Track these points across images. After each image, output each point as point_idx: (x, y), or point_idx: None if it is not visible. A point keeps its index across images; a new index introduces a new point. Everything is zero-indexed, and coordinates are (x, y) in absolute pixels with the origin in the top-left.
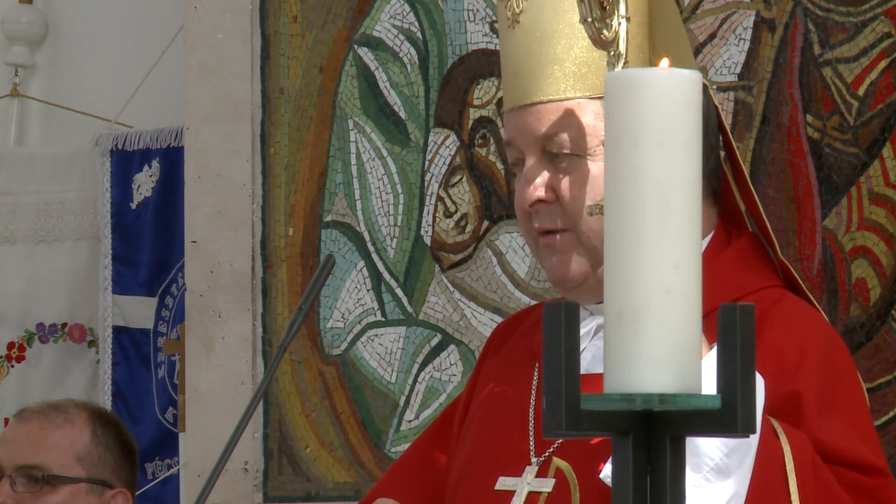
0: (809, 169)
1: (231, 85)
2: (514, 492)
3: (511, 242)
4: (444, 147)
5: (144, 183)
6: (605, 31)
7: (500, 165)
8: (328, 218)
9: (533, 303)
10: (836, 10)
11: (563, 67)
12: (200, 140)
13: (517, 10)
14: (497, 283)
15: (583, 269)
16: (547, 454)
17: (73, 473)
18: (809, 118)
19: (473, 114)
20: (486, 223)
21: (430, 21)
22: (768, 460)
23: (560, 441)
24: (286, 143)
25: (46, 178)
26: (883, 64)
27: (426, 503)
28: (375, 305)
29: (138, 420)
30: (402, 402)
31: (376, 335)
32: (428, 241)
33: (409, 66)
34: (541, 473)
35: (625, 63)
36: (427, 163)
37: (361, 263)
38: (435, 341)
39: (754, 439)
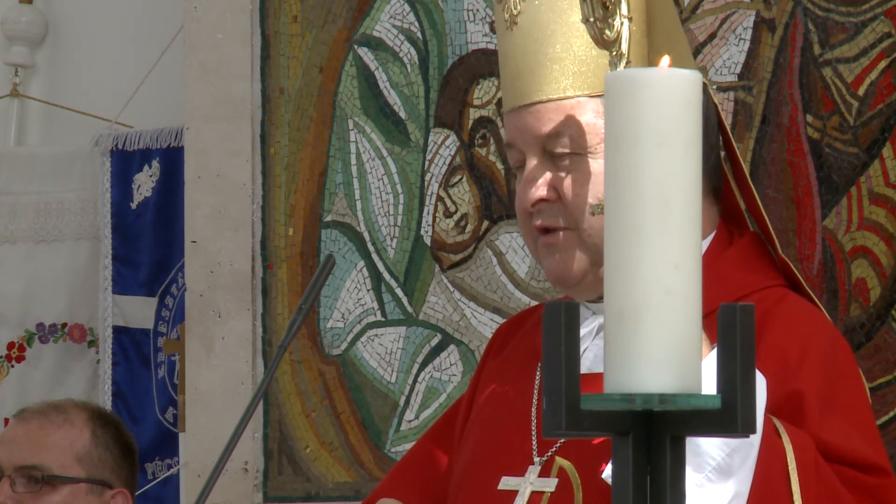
0: (809, 169)
1: (231, 85)
2: (517, 491)
3: (511, 242)
4: (444, 147)
5: (144, 183)
6: (607, 31)
7: (500, 165)
8: (328, 218)
9: (533, 303)
10: (836, 10)
11: (563, 66)
12: (200, 140)
13: (514, 12)
14: (497, 283)
15: (583, 267)
16: (549, 454)
17: (73, 473)
18: (809, 118)
19: (473, 114)
20: (486, 223)
21: (430, 21)
22: (770, 460)
23: (563, 441)
24: (286, 143)
25: (46, 178)
26: (883, 64)
27: (429, 503)
28: (375, 305)
29: (138, 420)
30: (402, 402)
31: (376, 335)
32: (428, 241)
33: (409, 66)
34: (543, 473)
35: (627, 63)
36: (427, 163)
37: (361, 263)
38: (435, 341)
39: (756, 439)
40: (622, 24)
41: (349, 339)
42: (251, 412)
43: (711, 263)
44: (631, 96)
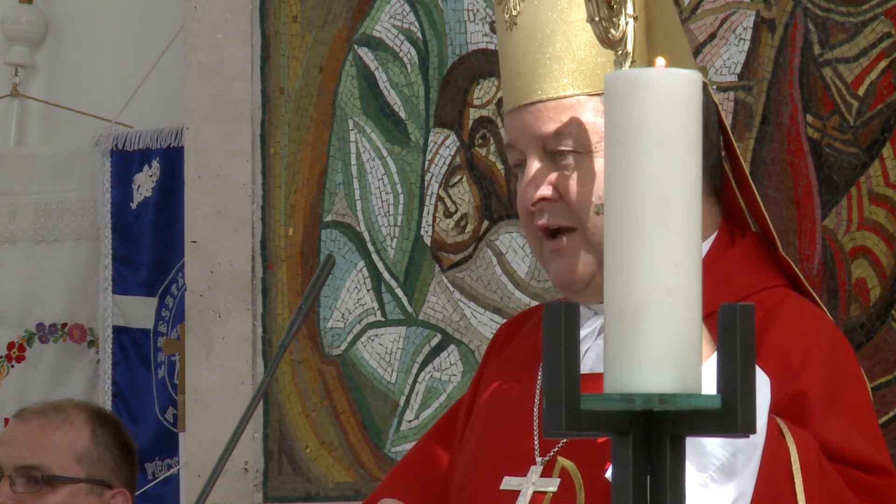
0: (809, 169)
1: (231, 85)
2: (519, 491)
3: (511, 242)
4: (444, 147)
5: (144, 183)
6: (612, 31)
7: (500, 165)
8: (328, 218)
9: (533, 303)
10: (836, 10)
11: (562, 65)
12: (200, 140)
13: (514, 13)
14: (497, 283)
15: (590, 269)
16: (552, 454)
17: (73, 474)
18: (809, 118)
19: (473, 114)
20: (486, 223)
21: (430, 21)
22: (774, 460)
23: (565, 440)
24: (286, 143)
25: (46, 178)
26: (883, 64)
27: (430, 503)
28: (375, 305)
29: (138, 420)
30: (402, 402)
31: (376, 335)
32: (428, 241)
33: (409, 66)
34: (546, 473)
35: (632, 62)
36: (427, 163)
37: (361, 263)
38: (435, 341)
39: (760, 439)
40: (627, 23)
41: (349, 339)
42: (251, 412)
43: (714, 264)
44: (631, 96)
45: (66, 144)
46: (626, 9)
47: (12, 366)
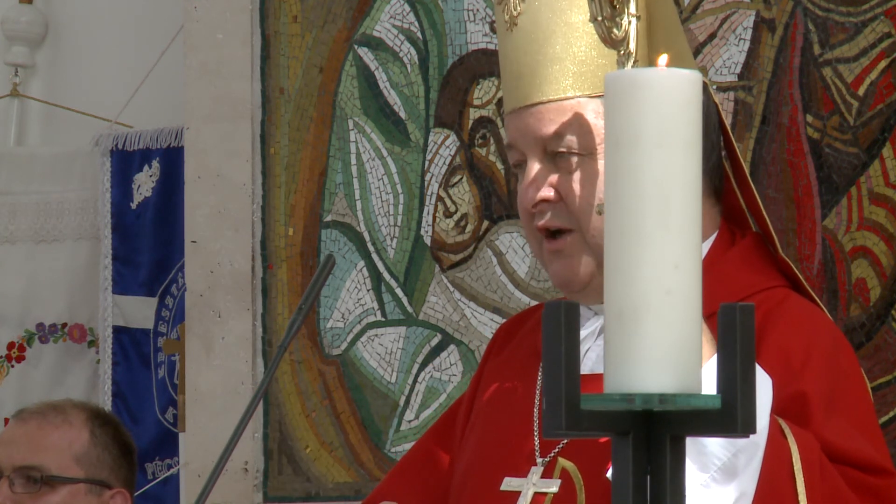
0: (809, 169)
1: (231, 85)
2: (520, 492)
3: (511, 242)
4: (444, 147)
5: (144, 183)
6: (615, 31)
7: (500, 165)
8: (328, 218)
9: (533, 303)
10: (836, 10)
11: (563, 67)
12: (200, 140)
13: (514, 13)
14: (497, 283)
15: (589, 270)
16: (552, 454)
17: (72, 474)
18: (809, 118)
19: (473, 114)
20: (486, 223)
21: (430, 21)
22: (776, 460)
23: (565, 441)
24: (286, 143)
25: (46, 178)
26: (883, 64)
27: (426, 502)
28: (375, 305)
29: (138, 420)
30: (402, 402)
31: (376, 335)
32: (428, 241)
33: (409, 66)
34: (546, 474)
35: (635, 62)
36: (427, 163)
37: (361, 263)
38: (435, 341)
39: (762, 439)
40: (630, 22)
41: (349, 339)
42: (251, 412)
43: (714, 264)
44: (631, 96)
45: (66, 144)
46: (628, 8)
47: (12, 366)
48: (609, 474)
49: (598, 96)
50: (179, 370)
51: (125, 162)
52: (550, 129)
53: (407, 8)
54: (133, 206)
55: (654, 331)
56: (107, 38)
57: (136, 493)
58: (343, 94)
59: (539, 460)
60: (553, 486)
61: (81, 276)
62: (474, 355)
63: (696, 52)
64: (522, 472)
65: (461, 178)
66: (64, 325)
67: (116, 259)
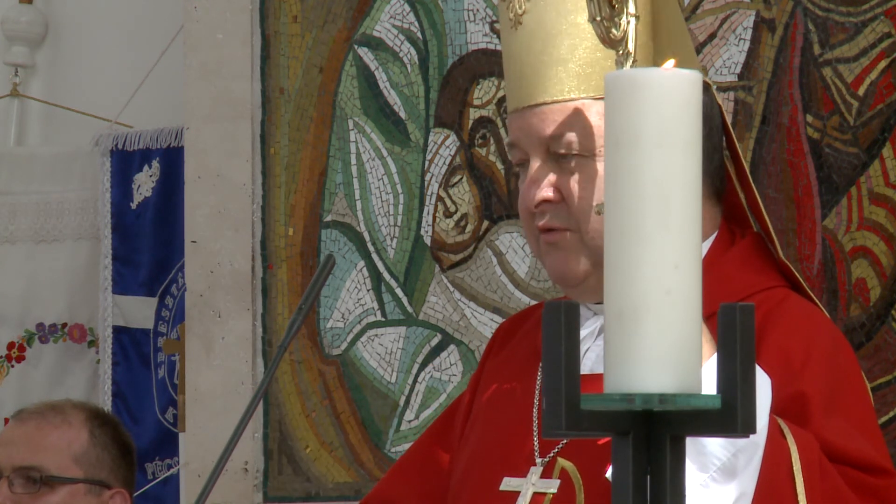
0: (809, 169)
1: (231, 85)
2: (519, 492)
3: (511, 242)
4: (444, 147)
5: (144, 183)
6: (613, 30)
7: (500, 165)
8: (328, 218)
9: (533, 303)
10: (836, 10)
11: (568, 68)
12: (200, 140)
13: (520, 11)
14: (497, 283)
15: (585, 269)
16: (552, 455)
17: (71, 474)
18: (809, 118)
19: (473, 114)
20: (486, 223)
21: (430, 21)
22: (775, 460)
23: (565, 441)
24: (286, 143)
25: (46, 178)
26: (883, 64)
27: (425, 502)
28: (375, 305)
29: (138, 420)
30: (402, 402)
31: (376, 335)
32: (428, 241)
33: (409, 66)
34: (545, 474)
35: (634, 62)
36: (427, 163)
37: (361, 263)
38: (435, 341)
39: (761, 439)
40: (629, 22)
41: (349, 339)
42: (251, 412)
43: (714, 264)
44: (631, 96)
45: (66, 144)
46: (627, 8)
47: (12, 366)
48: (609, 474)
49: (602, 98)
50: (179, 370)
51: (125, 162)
52: (553, 129)
53: (407, 8)
54: (133, 206)
55: (654, 331)
56: (107, 38)
57: (136, 493)
58: (343, 94)
59: (538, 460)
60: (552, 487)
61: (81, 276)
62: (474, 355)
63: (697, 53)
64: (522, 472)
65: (461, 178)
66: (64, 325)
67: (116, 259)
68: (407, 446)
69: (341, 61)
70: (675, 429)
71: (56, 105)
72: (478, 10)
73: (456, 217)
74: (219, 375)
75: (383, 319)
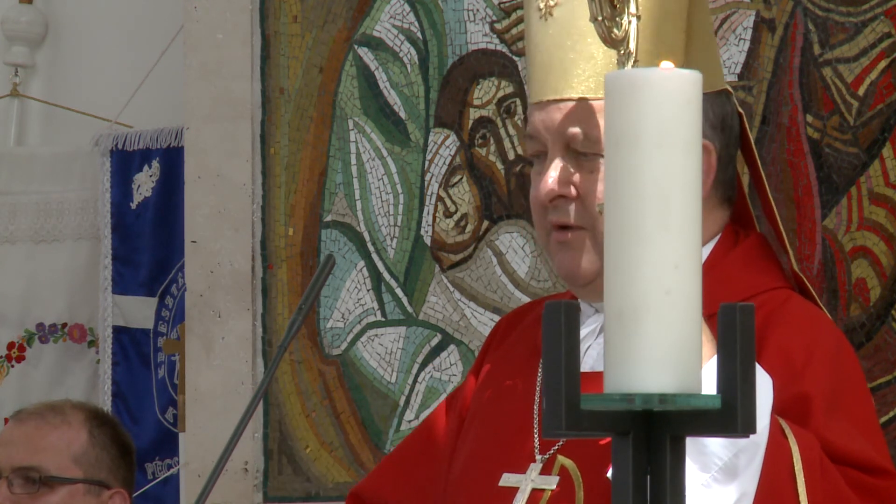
0: (809, 169)
1: (231, 85)
2: (518, 488)
3: (511, 242)
4: (444, 147)
5: (144, 183)
6: (615, 30)
7: (500, 165)
8: (328, 218)
9: None
10: (836, 10)
11: (596, 65)
12: (200, 140)
13: (551, 3)
14: (497, 283)
15: (594, 268)
16: (552, 452)
17: (70, 474)
18: (809, 118)
19: (473, 114)
20: (486, 223)
21: (430, 21)
22: (777, 460)
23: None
24: (286, 143)
25: (46, 178)
26: (883, 64)
27: (417, 497)
28: (375, 305)
29: (138, 420)
30: (402, 402)
31: (376, 335)
32: (428, 241)
33: (409, 66)
34: (545, 471)
35: (635, 62)
36: (427, 163)
37: (361, 263)
38: (435, 341)
39: (763, 439)
40: (630, 22)
41: (349, 339)
42: (251, 412)
43: (717, 265)
44: (631, 96)
45: (66, 144)
46: (628, 8)
47: (12, 366)
48: (609, 474)
49: None
50: (179, 370)
51: (125, 162)
52: (576, 127)
53: (407, 8)
54: (133, 206)
55: (654, 331)
56: (107, 38)
57: (136, 493)
58: (343, 94)
59: (538, 457)
60: (551, 483)
61: (81, 276)
62: (474, 355)
63: None
64: (521, 469)
65: (461, 178)
66: (64, 325)
67: (116, 259)
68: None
69: (341, 61)
70: (675, 429)
71: (56, 105)
72: (478, 10)
73: (456, 217)
74: (219, 375)
75: (383, 319)
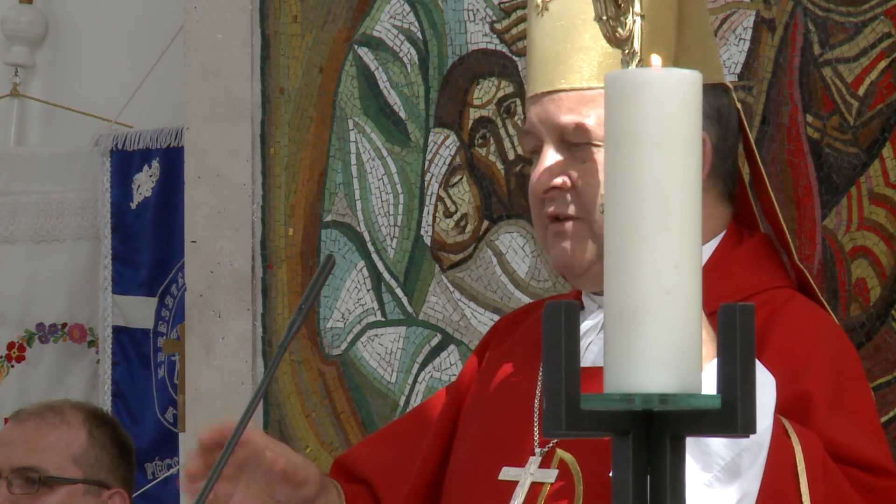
0: (809, 169)
1: (231, 85)
2: (518, 482)
3: (511, 242)
4: (444, 147)
5: (144, 183)
6: (619, 30)
7: (500, 165)
8: (328, 218)
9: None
10: (836, 10)
11: (589, 56)
12: (200, 140)
13: None
14: (497, 283)
15: (590, 257)
16: (550, 445)
17: (70, 474)
18: (809, 118)
19: (473, 114)
20: (486, 223)
21: (430, 21)
22: (779, 460)
23: None
24: (286, 143)
25: (46, 178)
26: (883, 64)
27: (385, 474)
28: (375, 305)
29: (138, 420)
30: (402, 402)
31: (376, 335)
32: (428, 241)
33: (409, 66)
34: (544, 464)
35: (639, 61)
36: (427, 163)
37: (361, 263)
38: (435, 341)
39: (766, 439)
40: (634, 21)
41: (349, 339)
42: (251, 412)
43: (719, 263)
44: (631, 96)
45: (66, 144)
46: (633, 7)
47: (12, 366)
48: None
49: None
50: (179, 370)
51: (125, 162)
52: (569, 118)
53: (407, 8)
54: (133, 206)
55: (654, 331)
56: (107, 38)
57: (135, 494)
58: (343, 94)
59: (537, 450)
60: (550, 477)
61: (81, 276)
62: None
63: None
64: (521, 463)
65: (461, 178)
66: (64, 325)
67: (116, 259)
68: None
69: (341, 61)
70: (675, 429)
71: (56, 105)
72: (478, 10)
73: (456, 217)
74: (219, 375)
75: (383, 319)
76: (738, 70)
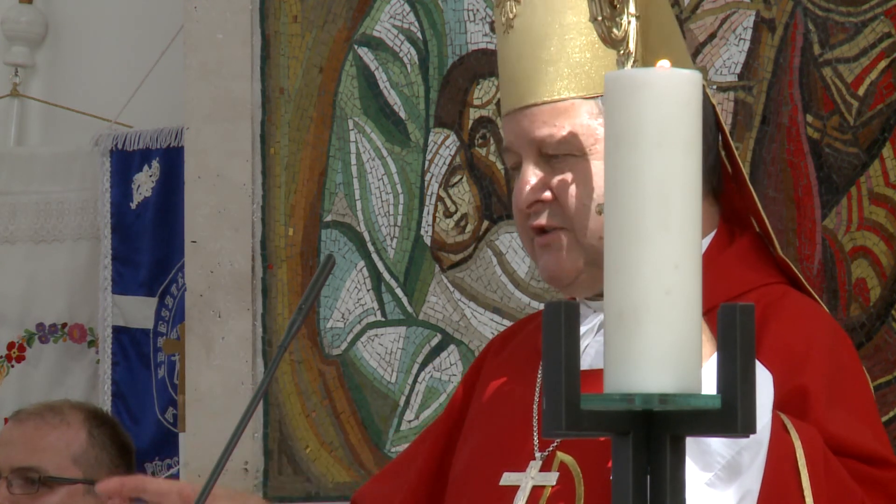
0: (809, 169)
1: (231, 85)
2: (519, 486)
3: (511, 242)
4: (444, 147)
5: (144, 183)
6: (614, 30)
7: (500, 165)
8: (328, 218)
9: (533, 303)
10: (836, 10)
11: (558, 68)
12: (200, 140)
13: (511, 15)
14: (497, 283)
15: (577, 267)
16: (551, 448)
17: (70, 474)
18: (809, 118)
19: (473, 114)
20: (486, 223)
21: (430, 21)
22: (780, 456)
23: None
24: (286, 143)
25: (46, 178)
26: (883, 64)
27: None
28: (375, 305)
29: (138, 420)
30: (402, 402)
31: (376, 335)
32: (428, 241)
33: (409, 66)
34: (545, 468)
35: (635, 62)
36: (427, 163)
37: (361, 263)
38: (435, 341)
39: (765, 436)
40: (629, 22)
41: (349, 339)
42: (251, 412)
43: (712, 261)
44: (631, 96)
45: (66, 144)
46: (628, 7)
47: (12, 366)
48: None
49: (593, 97)
50: (179, 370)
51: (125, 162)
52: (544, 130)
53: (407, 8)
54: (133, 206)
55: (654, 331)
56: (107, 38)
57: None
58: (343, 94)
59: (538, 454)
60: (551, 480)
61: (81, 276)
62: (474, 355)
63: (696, 53)
64: (522, 467)
65: (461, 178)
66: (64, 325)
67: (116, 259)
68: (407, 446)
69: (341, 61)
70: (675, 429)
71: (56, 105)
72: (478, 10)
73: (456, 217)
74: (219, 375)
75: (383, 319)
76: (738, 70)
